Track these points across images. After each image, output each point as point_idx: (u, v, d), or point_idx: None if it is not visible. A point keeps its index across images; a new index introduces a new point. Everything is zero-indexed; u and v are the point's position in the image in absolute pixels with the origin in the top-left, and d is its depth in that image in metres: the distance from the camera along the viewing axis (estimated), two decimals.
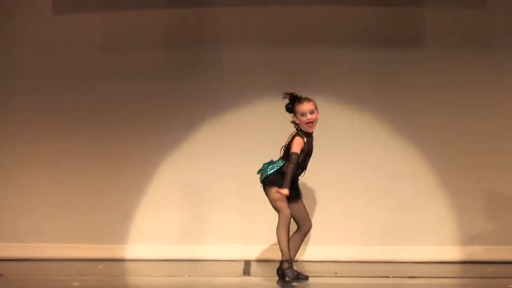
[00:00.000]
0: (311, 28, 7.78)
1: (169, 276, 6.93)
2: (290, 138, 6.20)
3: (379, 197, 7.70)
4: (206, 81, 7.79)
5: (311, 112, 6.17)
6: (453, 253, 7.63)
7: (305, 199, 6.14)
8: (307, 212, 6.38)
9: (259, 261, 7.58)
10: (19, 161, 7.85)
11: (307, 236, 7.62)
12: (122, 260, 7.71)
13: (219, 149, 7.67)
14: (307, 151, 6.22)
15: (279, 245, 6.16)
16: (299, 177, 6.31)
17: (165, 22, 7.86)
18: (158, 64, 7.85)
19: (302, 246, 7.58)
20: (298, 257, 7.63)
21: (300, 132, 6.20)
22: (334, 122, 7.68)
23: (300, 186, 6.35)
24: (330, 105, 7.70)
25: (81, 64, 7.87)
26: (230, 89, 7.74)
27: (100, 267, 7.43)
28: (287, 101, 6.24)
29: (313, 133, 6.22)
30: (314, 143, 6.23)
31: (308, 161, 6.25)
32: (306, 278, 6.27)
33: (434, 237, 7.65)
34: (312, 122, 6.18)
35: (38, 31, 7.89)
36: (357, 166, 7.70)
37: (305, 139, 6.20)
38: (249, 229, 7.58)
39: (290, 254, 6.23)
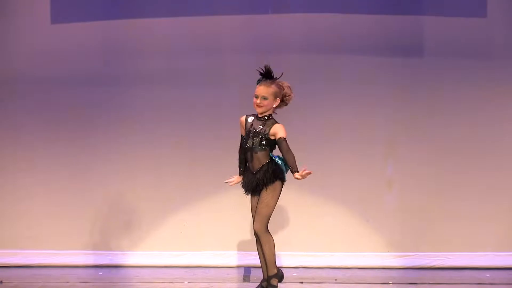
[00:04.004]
0: (310, 35, 7.79)
1: (169, 282, 6.95)
2: (265, 127, 5.98)
3: (379, 203, 7.71)
4: (207, 88, 7.79)
5: (264, 98, 5.98)
6: (453, 259, 7.64)
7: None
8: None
9: (259, 267, 7.56)
10: (18, 167, 7.83)
11: (307, 243, 7.74)
12: (122, 267, 7.70)
13: (218, 155, 7.67)
14: (248, 131, 6.06)
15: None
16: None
17: (163, 30, 7.87)
18: (157, 71, 7.85)
19: (301, 252, 7.72)
20: (299, 263, 7.71)
21: (273, 118, 6.04)
22: (333, 128, 7.70)
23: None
24: (329, 111, 7.73)
25: (79, 72, 7.86)
26: (231, 96, 7.75)
27: (100, 273, 7.43)
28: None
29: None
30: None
31: (249, 143, 6.05)
32: None
33: (434, 243, 7.65)
34: (259, 106, 6.02)
35: (36, 39, 7.88)
36: (356, 172, 7.70)
37: (249, 119, 6.07)
38: (248, 235, 7.58)
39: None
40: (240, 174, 6.20)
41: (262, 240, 6.04)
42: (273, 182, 6.00)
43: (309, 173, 5.79)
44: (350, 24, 7.76)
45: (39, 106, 7.86)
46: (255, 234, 6.05)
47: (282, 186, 6.07)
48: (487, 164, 7.68)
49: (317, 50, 7.78)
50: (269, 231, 6.06)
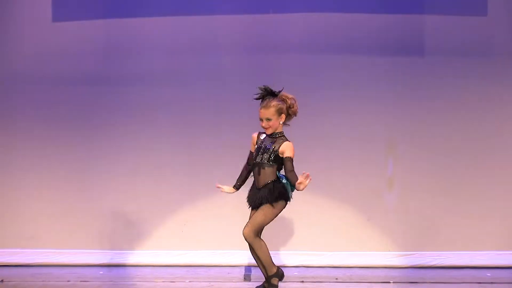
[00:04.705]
0: (311, 35, 7.80)
1: (170, 281, 6.96)
2: (275, 144, 6.01)
3: (380, 202, 7.72)
4: (208, 87, 7.80)
5: (268, 120, 6.02)
6: (454, 258, 7.64)
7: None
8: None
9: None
10: (18, 166, 7.84)
11: (308, 242, 7.75)
12: (122, 266, 7.71)
13: (219, 154, 7.67)
14: (258, 147, 6.11)
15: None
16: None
17: (164, 29, 7.87)
18: (157, 70, 7.86)
19: (302, 251, 7.72)
20: (299, 262, 7.70)
21: (283, 135, 6.08)
22: (334, 127, 7.71)
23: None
24: (330, 111, 7.73)
25: (80, 71, 7.87)
26: (232, 95, 7.76)
27: (101, 272, 7.44)
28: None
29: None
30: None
31: (258, 158, 6.10)
32: None
33: (435, 242, 7.66)
34: (266, 128, 6.07)
35: (38, 38, 7.89)
36: (357, 171, 7.71)
37: (261, 136, 6.13)
38: None
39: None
40: (234, 187, 6.28)
41: (254, 246, 6.07)
42: (277, 201, 6.04)
43: (308, 176, 5.75)
44: (351, 23, 7.77)
45: (39, 105, 7.87)
46: (245, 239, 6.07)
47: (285, 205, 6.11)
48: (488, 163, 7.69)
49: (318, 50, 7.80)
50: (259, 237, 6.08)
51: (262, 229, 6.10)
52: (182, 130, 7.83)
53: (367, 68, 7.76)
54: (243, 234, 6.05)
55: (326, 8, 7.82)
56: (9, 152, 7.86)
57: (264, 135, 6.13)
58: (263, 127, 6.07)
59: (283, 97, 6.07)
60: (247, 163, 6.26)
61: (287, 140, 6.05)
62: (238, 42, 7.82)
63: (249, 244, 6.09)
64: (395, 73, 7.77)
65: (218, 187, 6.28)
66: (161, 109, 7.84)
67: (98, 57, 7.88)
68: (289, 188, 6.05)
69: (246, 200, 6.21)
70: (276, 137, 6.06)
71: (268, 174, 6.05)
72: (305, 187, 5.75)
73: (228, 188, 6.29)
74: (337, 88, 7.77)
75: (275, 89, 6.11)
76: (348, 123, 7.74)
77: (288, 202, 6.11)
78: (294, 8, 7.83)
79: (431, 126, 7.74)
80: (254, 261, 7.32)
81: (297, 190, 5.83)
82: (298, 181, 5.74)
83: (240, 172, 6.30)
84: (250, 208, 6.20)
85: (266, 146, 6.07)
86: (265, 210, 6.04)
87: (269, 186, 6.03)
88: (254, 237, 6.04)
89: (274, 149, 6.02)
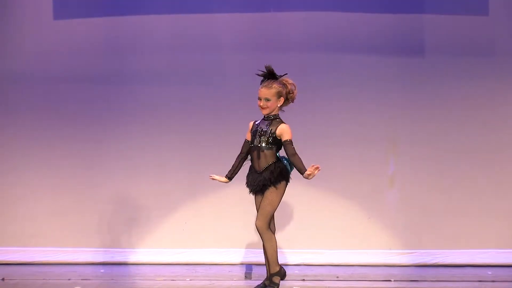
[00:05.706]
0: (312, 34, 7.81)
1: (170, 280, 6.95)
2: (272, 126, 5.98)
3: (381, 201, 7.72)
4: (209, 86, 7.81)
5: (266, 100, 6.01)
6: (454, 256, 7.65)
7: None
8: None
9: (261, 265, 7.56)
10: (21, 165, 7.85)
11: (309, 240, 7.76)
12: (123, 264, 7.71)
13: (219, 152, 7.67)
14: (254, 131, 6.08)
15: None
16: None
17: (166, 27, 7.88)
18: (159, 68, 7.87)
19: (303, 249, 7.72)
20: (301, 261, 7.71)
21: (279, 118, 6.06)
22: (335, 125, 7.72)
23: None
24: (330, 110, 7.74)
25: (81, 68, 7.88)
26: (232, 93, 7.76)
27: (102, 271, 7.44)
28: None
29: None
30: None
31: (256, 141, 6.06)
32: None
33: (435, 241, 7.66)
34: (263, 108, 6.05)
35: (39, 36, 7.90)
36: (358, 170, 7.72)
37: (257, 122, 6.11)
38: (250, 233, 7.58)
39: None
40: (226, 177, 6.22)
41: (264, 237, 6.04)
42: (279, 181, 6.02)
43: (318, 167, 5.78)
44: (353, 22, 7.78)
45: (41, 103, 7.89)
46: (258, 231, 6.07)
47: (286, 186, 6.09)
48: (489, 161, 7.69)
49: (319, 49, 7.81)
50: (271, 229, 6.07)
51: (272, 218, 6.06)
52: (183, 129, 7.83)
53: (368, 67, 7.77)
54: (255, 226, 6.03)
55: (327, 7, 7.83)
56: (9, 151, 7.86)
57: (259, 121, 6.11)
58: (260, 106, 6.04)
59: (284, 81, 6.08)
60: (241, 152, 6.20)
61: (283, 122, 6.05)
62: (239, 41, 7.83)
63: (261, 237, 6.06)
64: (395, 72, 7.77)
65: (212, 178, 6.25)
66: (162, 107, 7.85)
67: (99, 55, 7.89)
68: (289, 169, 6.06)
69: (246, 186, 6.12)
70: (271, 119, 6.05)
71: (268, 156, 6.02)
72: (314, 176, 5.80)
73: (222, 178, 6.23)
74: (338, 87, 7.77)
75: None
76: (349, 122, 7.75)
77: (287, 183, 6.07)
78: (294, 7, 7.84)
79: (432, 125, 7.75)
80: (255, 260, 7.39)
81: (305, 178, 5.83)
82: (307, 172, 5.77)
83: (234, 162, 6.22)
84: (252, 194, 6.13)
85: (262, 129, 6.05)
86: (269, 197, 6.01)
87: (271, 167, 6.01)
88: (266, 229, 6.02)
89: (272, 132, 6.00)
